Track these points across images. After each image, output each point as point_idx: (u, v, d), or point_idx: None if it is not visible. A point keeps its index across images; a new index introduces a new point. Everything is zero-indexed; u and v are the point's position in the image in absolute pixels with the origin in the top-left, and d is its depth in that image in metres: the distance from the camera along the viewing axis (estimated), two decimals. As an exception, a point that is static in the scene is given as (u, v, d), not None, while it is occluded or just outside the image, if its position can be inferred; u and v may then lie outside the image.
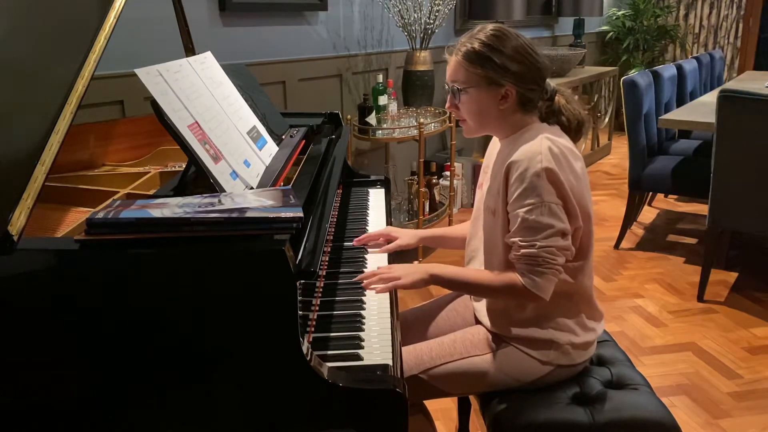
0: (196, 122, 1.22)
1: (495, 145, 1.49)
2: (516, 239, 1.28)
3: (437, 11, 3.30)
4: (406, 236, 1.59)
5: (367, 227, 1.69)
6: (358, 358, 1.10)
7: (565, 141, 1.33)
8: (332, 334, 1.17)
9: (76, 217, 1.41)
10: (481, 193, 1.47)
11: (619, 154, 5.50)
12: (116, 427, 1.01)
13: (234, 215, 0.99)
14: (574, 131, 1.39)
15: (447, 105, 1.39)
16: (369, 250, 1.56)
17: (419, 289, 1.39)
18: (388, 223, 1.74)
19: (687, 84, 4.04)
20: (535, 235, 1.25)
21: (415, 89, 3.38)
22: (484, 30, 1.32)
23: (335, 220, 1.69)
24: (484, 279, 1.34)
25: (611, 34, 6.24)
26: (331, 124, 1.94)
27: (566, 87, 4.90)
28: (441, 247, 1.71)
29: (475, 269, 1.42)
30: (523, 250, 1.27)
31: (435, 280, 1.34)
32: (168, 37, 2.01)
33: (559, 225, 1.26)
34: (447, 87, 1.37)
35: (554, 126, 1.37)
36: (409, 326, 1.59)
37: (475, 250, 1.47)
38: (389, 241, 1.58)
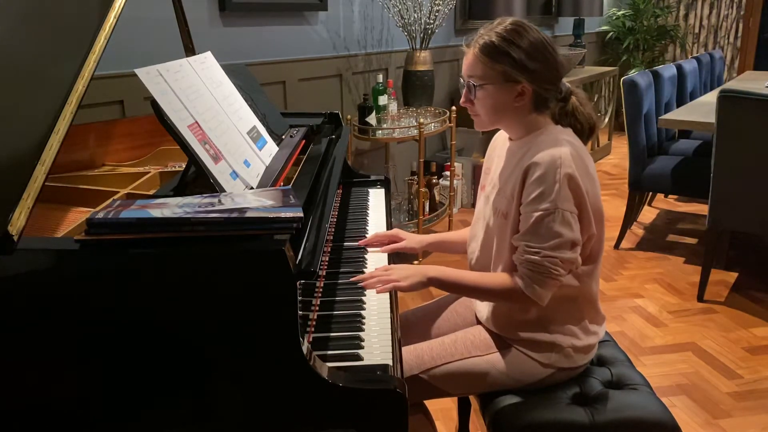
0: (196, 122, 1.22)
1: (497, 146, 1.48)
2: (523, 243, 1.27)
3: (437, 11, 3.30)
4: (412, 240, 1.58)
5: (367, 227, 1.69)
6: (358, 358, 1.10)
7: (580, 144, 1.32)
8: (332, 334, 1.17)
9: (76, 217, 1.41)
10: (484, 196, 1.46)
11: (619, 154, 5.50)
12: (116, 427, 1.01)
13: (234, 215, 0.99)
14: (586, 135, 1.37)
15: (462, 100, 1.36)
16: (370, 249, 1.56)
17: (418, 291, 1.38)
18: (388, 223, 1.74)
19: (687, 84, 4.04)
20: (543, 242, 1.24)
21: (415, 89, 3.38)
22: (503, 23, 1.30)
23: (335, 220, 1.69)
24: (482, 282, 1.33)
25: (611, 34, 6.25)
26: (331, 124, 1.94)
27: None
28: (445, 251, 1.70)
29: (473, 272, 1.41)
30: (527, 256, 1.26)
31: (433, 282, 1.34)
32: (168, 37, 2.01)
33: (569, 235, 1.24)
34: (462, 81, 1.35)
35: (567, 128, 1.35)
36: (410, 326, 1.59)
37: (473, 252, 1.47)
38: (394, 242, 1.58)
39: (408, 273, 1.32)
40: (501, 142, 1.46)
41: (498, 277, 1.32)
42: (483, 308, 1.45)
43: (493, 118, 1.34)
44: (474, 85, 1.31)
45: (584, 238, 1.28)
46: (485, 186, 1.47)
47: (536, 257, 1.25)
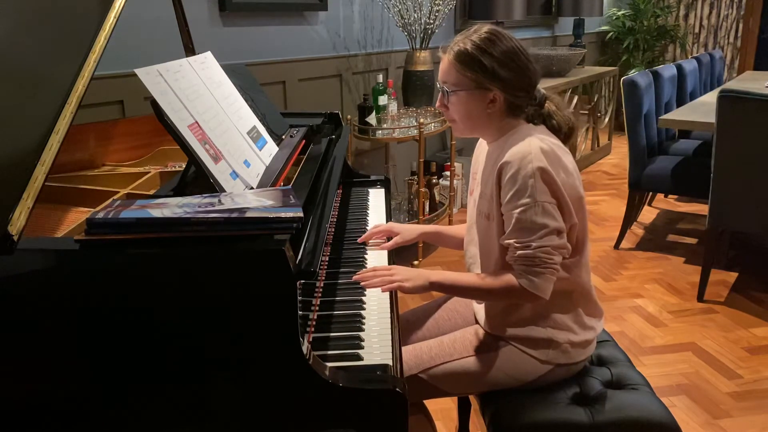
0: (196, 122, 1.22)
1: (481, 150, 1.50)
2: (511, 241, 1.28)
3: (437, 11, 3.30)
4: (407, 232, 1.60)
5: (367, 227, 1.69)
6: (358, 358, 1.10)
7: (553, 139, 1.34)
8: (332, 334, 1.17)
9: (76, 217, 1.41)
10: (473, 200, 1.47)
11: (619, 154, 5.50)
12: (116, 427, 1.01)
13: (234, 215, 0.99)
14: (565, 136, 1.39)
15: (437, 104, 1.40)
16: (369, 248, 1.57)
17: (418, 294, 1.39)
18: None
19: (687, 84, 4.04)
20: (530, 235, 1.25)
21: (415, 89, 3.38)
22: (478, 31, 1.33)
23: (335, 220, 1.69)
24: (482, 283, 1.33)
25: (611, 34, 6.24)
26: (331, 124, 1.94)
27: (566, 87, 4.82)
28: (439, 244, 1.72)
29: (474, 274, 1.42)
30: (519, 252, 1.26)
31: (434, 287, 1.34)
32: (168, 37, 2.01)
33: (554, 224, 1.26)
34: (438, 86, 1.38)
35: (540, 126, 1.37)
36: (410, 326, 1.59)
37: (473, 257, 1.47)
38: (391, 238, 1.58)
39: (411, 275, 1.33)
40: (484, 146, 1.48)
41: (498, 277, 1.32)
42: (480, 308, 1.45)
43: (468, 124, 1.37)
44: (447, 90, 1.34)
45: (567, 228, 1.30)
46: (473, 190, 1.48)
47: (528, 251, 1.25)
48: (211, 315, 0.98)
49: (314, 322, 1.20)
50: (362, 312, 1.26)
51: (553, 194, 1.26)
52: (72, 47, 1.19)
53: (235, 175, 1.24)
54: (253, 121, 1.48)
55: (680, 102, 3.92)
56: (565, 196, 1.28)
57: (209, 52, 1.49)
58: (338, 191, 1.84)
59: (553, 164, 1.27)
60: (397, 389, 1.00)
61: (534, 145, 1.27)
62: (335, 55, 3.26)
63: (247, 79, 1.65)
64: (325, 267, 1.43)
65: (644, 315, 2.77)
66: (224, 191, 1.16)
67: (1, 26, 1.20)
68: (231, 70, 1.54)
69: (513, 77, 1.31)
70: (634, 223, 3.80)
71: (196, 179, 1.30)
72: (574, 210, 1.30)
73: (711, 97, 3.39)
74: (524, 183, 1.25)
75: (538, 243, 1.25)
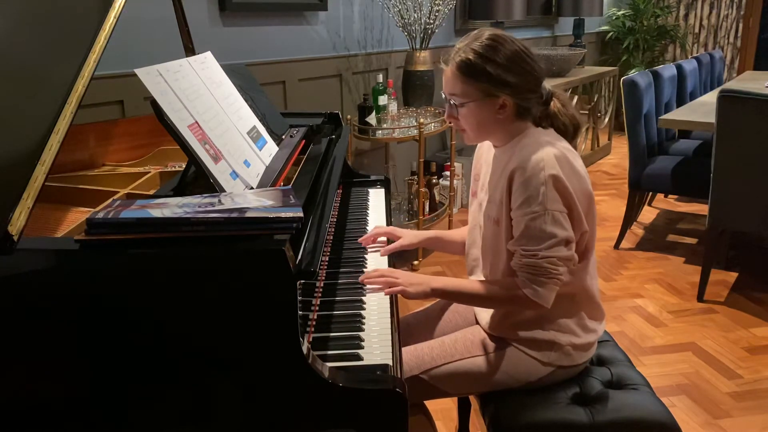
0: (196, 122, 1.22)
1: (483, 152, 1.49)
2: (518, 248, 1.27)
3: (437, 11, 3.30)
4: (409, 236, 1.59)
5: (367, 227, 1.69)
6: (358, 358, 1.10)
7: (563, 143, 1.33)
8: (332, 334, 1.17)
9: (76, 217, 1.41)
10: (476, 202, 1.46)
11: (619, 154, 5.50)
12: (116, 427, 1.01)
13: (234, 215, 0.99)
14: (571, 135, 1.38)
15: (446, 117, 1.38)
16: (369, 249, 1.57)
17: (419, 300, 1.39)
18: (388, 223, 1.74)
19: (687, 84, 4.04)
20: (538, 244, 1.24)
21: (415, 89, 3.38)
22: (478, 38, 1.30)
23: (335, 220, 1.69)
24: (484, 290, 1.33)
25: (611, 34, 6.24)
26: (331, 124, 1.94)
27: (566, 87, 4.80)
28: (441, 250, 1.71)
29: (475, 281, 1.42)
30: (525, 260, 1.26)
31: (436, 293, 1.34)
32: (168, 37, 2.01)
33: (563, 234, 1.25)
34: (444, 97, 1.36)
35: (549, 129, 1.36)
36: (411, 328, 1.59)
37: (475, 259, 1.47)
38: (392, 240, 1.58)
39: (413, 281, 1.33)
40: (486, 148, 1.47)
41: (500, 284, 1.32)
42: (480, 311, 1.45)
43: (479, 132, 1.36)
44: (455, 104, 1.32)
45: (577, 236, 1.29)
46: (477, 192, 1.48)
47: (534, 260, 1.25)
48: (211, 315, 0.98)
49: (314, 322, 1.20)
50: (362, 312, 1.26)
51: (565, 203, 1.25)
52: (72, 47, 1.19)
53: (235, 175, 1.24)
54: (253, 121, 1.48)
55: (680, 102, 3.92)
56: (577, 204, 1.27)
57: (209, 52, 1.49)
58: (338, 191, 1.84)
59: (566, 171, 1.25)
60: (397, 389, 1.00)
61: (547, 151, 1.25)
62: (335, 55, 3.26)
63: (247, 79, 1.65)
64: (325, 267, 1.43)
65: (644, 315, 2.77)
66: (224, 191, 1.16)
67: (1, 26, 1.20)
68: (231, 70, 1.54)
69: (520, 80, 1.29)
70: (634, 223, 3.80)
71: (196, 179, 1.30)
72: (585, 212, 1.29)
73: (711, 97, 3.39)
74: (536, 190, 1.23)
75: (545, 253, 1.24)
